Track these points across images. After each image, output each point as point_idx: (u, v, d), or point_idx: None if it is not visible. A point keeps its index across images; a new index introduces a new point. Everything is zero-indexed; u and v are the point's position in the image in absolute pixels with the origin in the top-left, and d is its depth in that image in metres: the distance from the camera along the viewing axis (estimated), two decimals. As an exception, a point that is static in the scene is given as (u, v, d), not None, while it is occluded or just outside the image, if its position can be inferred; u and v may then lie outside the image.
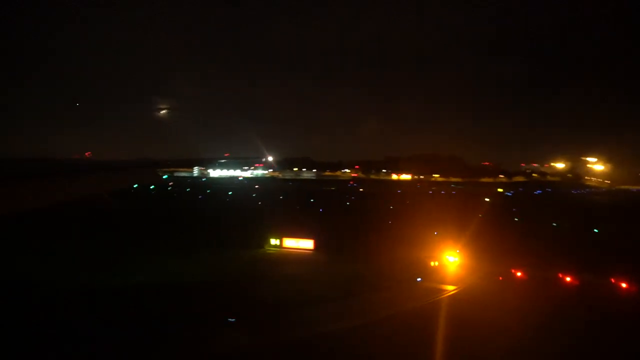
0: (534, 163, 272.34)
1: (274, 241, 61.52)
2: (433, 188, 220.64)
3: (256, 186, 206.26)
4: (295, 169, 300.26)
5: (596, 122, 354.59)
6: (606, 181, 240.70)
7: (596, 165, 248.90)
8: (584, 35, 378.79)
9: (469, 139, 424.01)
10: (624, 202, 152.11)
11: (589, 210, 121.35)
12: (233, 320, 32.42)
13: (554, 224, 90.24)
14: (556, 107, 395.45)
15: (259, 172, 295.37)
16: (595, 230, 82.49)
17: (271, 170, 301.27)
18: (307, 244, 60.39)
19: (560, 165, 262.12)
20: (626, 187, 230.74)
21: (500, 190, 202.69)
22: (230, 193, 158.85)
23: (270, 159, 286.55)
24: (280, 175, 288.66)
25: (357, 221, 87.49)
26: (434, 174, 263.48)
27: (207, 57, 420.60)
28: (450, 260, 53.37)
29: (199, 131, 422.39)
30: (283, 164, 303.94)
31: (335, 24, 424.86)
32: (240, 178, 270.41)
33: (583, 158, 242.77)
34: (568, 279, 47.25)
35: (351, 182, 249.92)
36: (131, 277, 45.38)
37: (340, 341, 30.75)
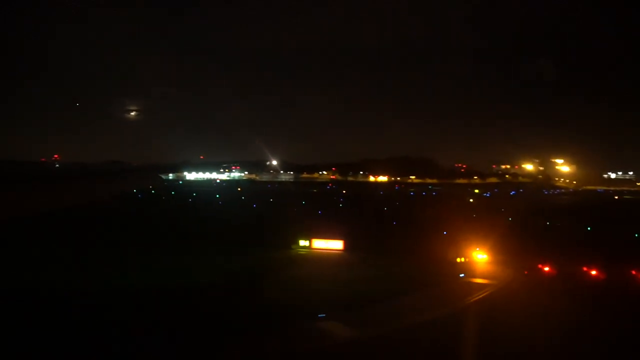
0: (504, 164, 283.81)
1: (303, 242, 63.19)
2: (411, 189, 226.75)
3: (239, 189, 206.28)
4: (272, 171, 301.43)
5: (562, 124, 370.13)
6: (573, 182, 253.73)
7: (563, 166, 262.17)
8: (552, 39, 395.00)
9: (440, 141, 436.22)
10: (598, 202, 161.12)
11: (570, 210, 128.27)
12: (323, 315, 34.21)
13: (547, 223, 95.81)
14: (524, 110, 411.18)
15: (236, 175, 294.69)
16: (589, 229, 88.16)
17: (246, 172, 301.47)
18: (337, 244, 62.21)
19: (529, 167, 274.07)
20: (592, 187, 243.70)
21: (476, 191, 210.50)
22: (218, 196, 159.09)
23: (275, 162, 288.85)
24: (257, 178, 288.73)
25: (364, 223, 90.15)
26: (410, 175, 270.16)
27: (180, 59, 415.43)
28: (480, 258, 56.70)
29: (172, 134, 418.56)
30: (258, 166, 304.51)
31: (313, 25, 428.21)
32: (218, 181, 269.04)
33: (552, 160, 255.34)
34: (593, 272, 51.27)
35: (330, 184, 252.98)
36: (197, 277, 46.66)
37: (407, 339, 32.17)
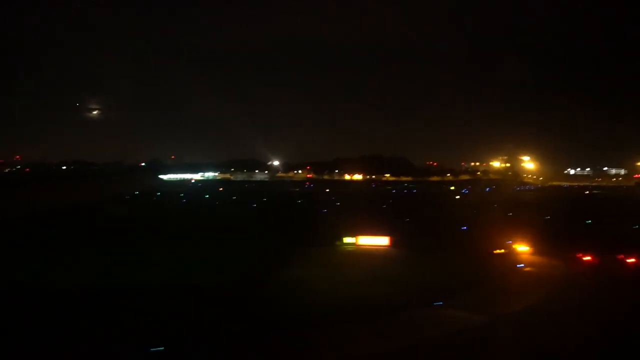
0: (473, 162, 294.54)
1: (348, 239, 65.00)
2: (388, 187, 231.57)
3: (220, 189, 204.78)
4: (245, 171, 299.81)
5: (526, 123, 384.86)
6: (540, 178, 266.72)
7: (528, 163, 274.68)
8: (518, 40, 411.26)
9: (410, 140, 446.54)
10: (573, 196, 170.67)
11: (558, 203, 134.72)
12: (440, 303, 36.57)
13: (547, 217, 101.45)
14: (490, 109, 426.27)
15: (210, 175, 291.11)
16: (588, 222, 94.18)
17: (219, 172, 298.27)
18: (383, 240, 64.63)
19: (496, 164, 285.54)
20: (557, 183, 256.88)
21: (452, 188, 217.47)
22: (207, 196, 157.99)
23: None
24: (232, 178, 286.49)
25: (378, 220, 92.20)
26: (385, 173, 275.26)
27: (146, 56, 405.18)
28: (522, 249, 60.54)
29: (141, 133, 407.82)
30: (230, 165, 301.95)
31: (285, 23, 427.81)
32: (193, 181, 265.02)
33: (519, 157, 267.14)
34: (631, 260, 55.93)
35: (307, 183, 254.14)
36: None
37: (523, 321, 34.16)
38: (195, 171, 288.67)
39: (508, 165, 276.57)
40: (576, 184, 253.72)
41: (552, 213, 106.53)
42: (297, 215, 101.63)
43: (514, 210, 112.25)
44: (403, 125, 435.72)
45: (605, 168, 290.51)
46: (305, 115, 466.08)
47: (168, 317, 32.67)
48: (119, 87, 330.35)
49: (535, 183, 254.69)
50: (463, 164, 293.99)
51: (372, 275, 46.77)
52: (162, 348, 26.42)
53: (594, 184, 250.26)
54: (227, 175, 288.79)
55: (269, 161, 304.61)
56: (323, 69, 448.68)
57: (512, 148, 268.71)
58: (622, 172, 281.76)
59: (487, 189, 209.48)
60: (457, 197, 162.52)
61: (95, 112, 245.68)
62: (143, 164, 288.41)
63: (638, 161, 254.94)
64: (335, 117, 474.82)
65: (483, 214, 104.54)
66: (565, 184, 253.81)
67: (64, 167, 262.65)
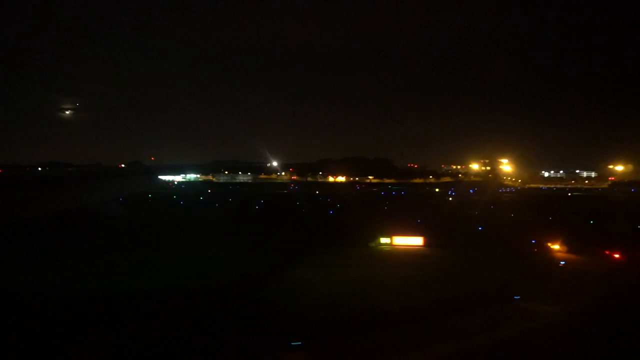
0: (453, 164, 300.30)
1: (384, 239, 66.54)
2: (374, 189, 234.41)
3: (209, 190, 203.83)
4: (226, 172, 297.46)
5: (503, 126, 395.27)
6: (518, 180, 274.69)
7: (506, 166, 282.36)
8: (496, 44, 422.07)
9: (392, 142, 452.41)
10: (557, 197, 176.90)
11: (546, 205, 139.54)
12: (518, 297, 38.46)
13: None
14: (470, 112, 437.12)
15: (192, 177, 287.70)
16: (592, 222, 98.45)
17: (200, 174, 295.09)
18: (417, 240, 66.32)
19: (475, 167, 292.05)
20: (535, 185, 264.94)
21: (437, 190, 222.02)
22: (201, 198, 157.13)
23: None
24: (214, 179, 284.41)
25: (391, 220, 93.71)
26: (368, 175, 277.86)
27: (120, 56, 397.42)
28: (555, 248, 63.51)
29: (121, 135, 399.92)
30: (212, 167, 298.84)
31: (268, 26, 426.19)
32: (175, 182, 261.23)
33: (498, 160, 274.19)
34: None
35: (293, 185, 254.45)
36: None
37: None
38: (177, 173, 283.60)
39: (487, 168, 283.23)
40: (552, 186, 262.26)
41: (551, 214, 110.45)
42: (309, 217, 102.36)
43: (513, 211, 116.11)
44: (385, 128, 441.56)
45: (578, 171, 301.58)
46: (288, 118, 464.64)
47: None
48: (96, 88, 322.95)
49: (514, 185, 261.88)
50: (443, 166, 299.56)
51: (443, 272, 48.31)
52: (300, 343, 27.05)
53: (568, 186, 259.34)
54: (210, 177, 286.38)
55: (251, 163, 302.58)
56: (306, 72, 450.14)
57: (491, 150, 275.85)
58: (593, 174, 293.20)
59: (471, 191, 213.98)
60: (450, 198, 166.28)
61: (68, 112, 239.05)
62: (123, 165, 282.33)
63: (609, 164, 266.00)
64: (318, 120, 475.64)
65: (486, 215, 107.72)
66: (542, 186, 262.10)
67: (40, 168, 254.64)
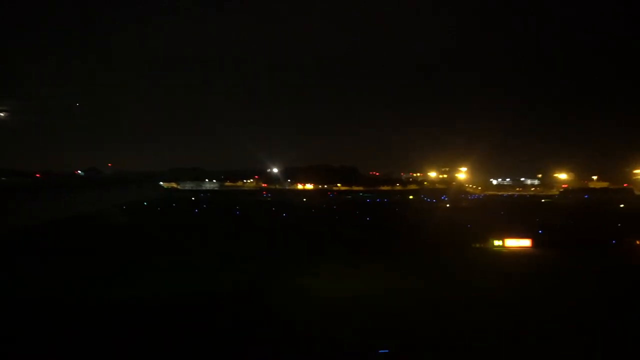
0: (413, 172, 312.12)
1: (497, 242, 71.55)
2: (348, 197, 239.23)
3: (193, 198, 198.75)
4: (190, 180, 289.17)
5: (455, 133, 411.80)
6: (478, 187, 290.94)
7: (462, 174, 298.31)
8: (445, 50, 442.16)
9: (352, 150, 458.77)
10: (528, 204, 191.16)
11: (533, 211, 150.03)
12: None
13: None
14: (427, 119, 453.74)
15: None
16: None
17: (162, 181, 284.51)
18: (526, 242, 71.95)
19: (433, 174, 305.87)
20: (492, 192, 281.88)
21: (411, 197, 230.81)
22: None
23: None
24: (179, 187, 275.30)
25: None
26: (336, 183, 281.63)
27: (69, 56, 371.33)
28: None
29: (73, 140, 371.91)
30: (174, 174, 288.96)
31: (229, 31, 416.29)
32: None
33: (457, 168, 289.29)
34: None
35: (264, 193, 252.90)
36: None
37: None
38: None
39: (446, 175, 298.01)
40: (505, 193, 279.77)
41: (555, 218, 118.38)
42: (375, 223, 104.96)
43: (520, 214, 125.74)
44: (342, 135, 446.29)
45: (522, 179, 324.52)
46: (250, 124, 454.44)
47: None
48: (44, 90, 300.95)
49: (476, 192, 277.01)
50: (403, 174, 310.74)
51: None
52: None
53: (517, 194, 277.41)
54: (173, 184, 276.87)
55: (214, 170, 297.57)
56: (264, 77, 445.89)
57: (449, 159, 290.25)
58: (536, 182, 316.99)
59: (443, 197, 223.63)
60: (448, 205, 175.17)
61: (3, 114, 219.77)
62: (79, 171, 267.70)
63: (554, 173, 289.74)
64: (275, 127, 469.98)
65: (512, 218, 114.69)
66: (499, 193, 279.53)
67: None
